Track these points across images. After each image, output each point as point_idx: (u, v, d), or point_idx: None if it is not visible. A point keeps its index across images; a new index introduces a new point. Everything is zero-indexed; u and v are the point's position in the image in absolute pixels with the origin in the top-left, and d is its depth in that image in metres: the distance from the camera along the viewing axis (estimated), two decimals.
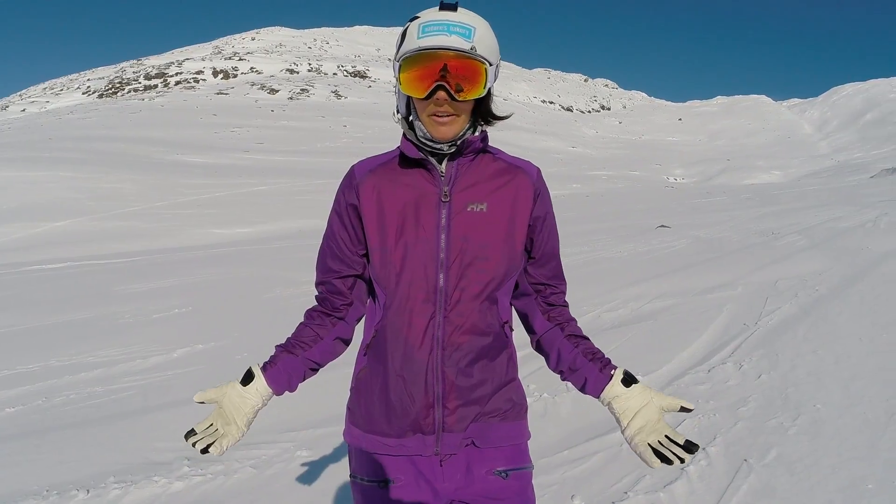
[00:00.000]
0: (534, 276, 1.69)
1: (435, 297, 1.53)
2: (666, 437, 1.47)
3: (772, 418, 4.01)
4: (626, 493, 3.17)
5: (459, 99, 1.47)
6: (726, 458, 3.51)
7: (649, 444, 1.47)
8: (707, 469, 3.39)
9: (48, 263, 15.11)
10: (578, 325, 1.72)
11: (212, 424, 1.58)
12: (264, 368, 1.63)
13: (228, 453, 3.76)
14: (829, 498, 3.08)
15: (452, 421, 1.56)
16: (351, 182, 1.62)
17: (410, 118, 1.58)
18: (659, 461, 1.45)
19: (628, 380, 1.55)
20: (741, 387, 4.59)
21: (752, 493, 3.13)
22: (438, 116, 1.49)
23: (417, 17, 1.48)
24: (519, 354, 1.74)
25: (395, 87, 1.58)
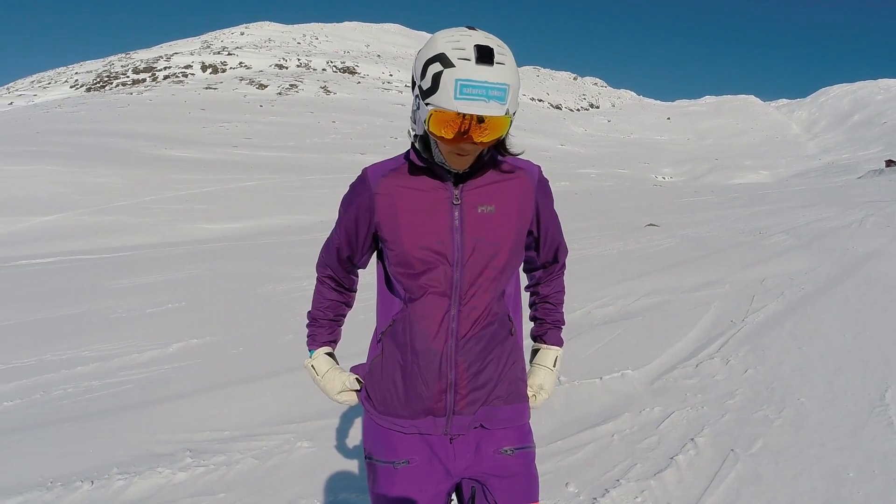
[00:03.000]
0: (538, 257, 1.89)
1: (451, 291, 1.63)
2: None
3: (758, 411, 4.12)
4: (618, 480, 3.27)
5: (484, 143, 1.50)
6: (714, 447, 3.62)
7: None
8: (696, 458, 3.50)
9: (35, 258, 15.05)
10: (560, 290, 1.99)
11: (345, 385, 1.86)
12: (321, 344, 1.93)
13: (230, 444, 3.86)
14: (813, 485, 3.19)
15: (463, 405, 1.68)
16: (365, 185, 1.69)
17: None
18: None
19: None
20: (728, 381, 4.70)
21: (739, 481, 3.24)
22: (459, 154, 1.54)
23: (453, 66, 1.41)
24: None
25: (412, 111, 1.60)
